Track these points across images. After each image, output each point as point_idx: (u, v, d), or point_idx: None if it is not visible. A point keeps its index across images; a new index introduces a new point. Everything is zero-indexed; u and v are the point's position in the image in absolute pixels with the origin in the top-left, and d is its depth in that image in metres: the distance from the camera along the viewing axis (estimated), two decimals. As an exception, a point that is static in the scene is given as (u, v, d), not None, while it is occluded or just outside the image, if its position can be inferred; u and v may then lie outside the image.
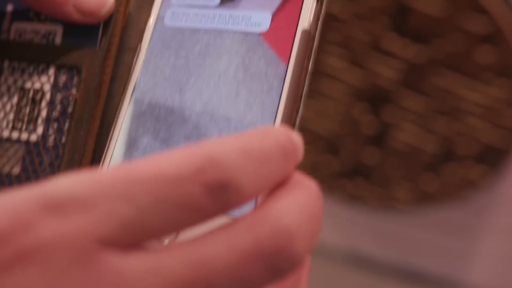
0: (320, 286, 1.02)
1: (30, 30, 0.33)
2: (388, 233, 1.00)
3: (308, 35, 0.29)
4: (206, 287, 0.19)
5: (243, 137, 0.21)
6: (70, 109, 0.32)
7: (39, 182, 0.31)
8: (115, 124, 0.31)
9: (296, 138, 0.22)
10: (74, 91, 0.32)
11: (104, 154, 0.31)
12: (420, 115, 0.88)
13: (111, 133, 0.31)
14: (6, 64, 0.33)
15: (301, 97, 0.29)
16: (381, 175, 0.93)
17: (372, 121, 0.91)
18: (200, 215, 0.20)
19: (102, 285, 0.19)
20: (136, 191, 0.19)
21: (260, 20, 0.30)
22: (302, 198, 0.21)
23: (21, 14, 0.34)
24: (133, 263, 0.19)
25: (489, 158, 0.89)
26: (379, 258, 1.02)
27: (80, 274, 0.19)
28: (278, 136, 0.22)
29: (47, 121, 0.32)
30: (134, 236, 0.19)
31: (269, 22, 0.30)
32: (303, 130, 0.99)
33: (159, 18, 0.32)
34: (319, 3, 0.30)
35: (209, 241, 0.20)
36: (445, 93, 0.86)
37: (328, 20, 0.85)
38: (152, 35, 0.32)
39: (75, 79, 0.32)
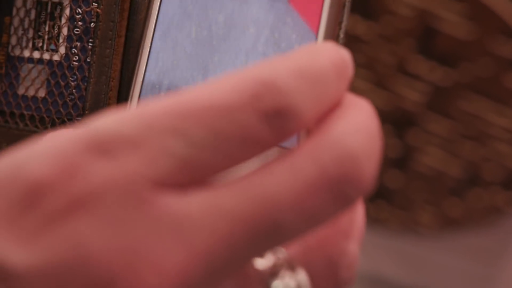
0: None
1: None
2: (411, 257, 0.99)
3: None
4: (271, 223, 0.18)
5: (294, 57, 0.19)
6: (92, 25, 0.30)
7: (64, 104, 0.30)
8: (143, 45, 0.29)
9: (346, 54, 0.21)
10: (95, 5, 0.30)
11: (134, 80, 0.29)
12: (445, 139, 0.87)
13: (139, 55, 0.29)
14: None
15: None
16: (404, 198, 0.92)
17: (396, 144, 0.90)
18: (258, 146, 0.18)
19: (160, 229, 0.17)
20: (188, 125, 0.18)
21: None
22: (360, 118, 0.20)
23: None
24: (191, 203, 0.18)
25: (516, 184, 0.87)
26: (402, 282, 1.00)
27: (137, 218, 0.17)
28: (329, 53, 0.20)
29: (69, 39, 0.30)
30: (189, 174, 0.18)
31: None
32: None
33: None
34: None
35: (269, 173, 0.18)
36: (471, 117, 0.84)
37: (352, 41, 0.85)
38: None
39: None
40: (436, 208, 0.92)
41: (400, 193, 0.92)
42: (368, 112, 0.20)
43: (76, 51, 0.30)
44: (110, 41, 0.29)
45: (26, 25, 0.31)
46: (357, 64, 0.90)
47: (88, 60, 0.30)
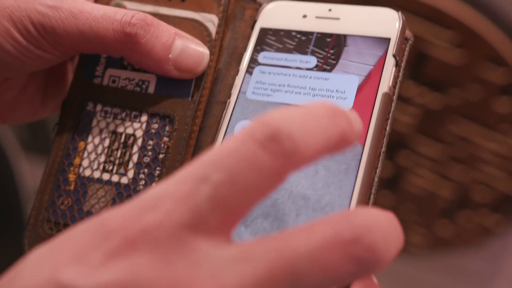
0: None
1: (124, 77, 0.34)
2: (401, 276, 1.00)
3: (382, 121, 0.30)
4: (290, 269, 0.21)
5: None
6: (161, 156, 0.32)
7: None
8: None
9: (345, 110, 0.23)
10: (166, 139, 0.33)
11: None
12: (435, 161, 0.88)
13: None
14: (98, 107, 0.34)
15: (374, 178, 0.29)
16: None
17: (386, 165, 0.91)
18: (267, 173, 0.21)
19: (199, 269, 0.21)
20: (209, 170, 0.21)
21: (346, 91, 0.31)
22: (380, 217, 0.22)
23: (115, 62, 0.35)
24: (225, 251, 0.21)
25: (505, 207, 0.89)
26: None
27: (180, 258, 0.21)
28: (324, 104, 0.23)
29: (138, 165, 0.33)
30: (222, 215, 0.21)
31: (354, 95, 0.31)
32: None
33: (245, 77, 0.33)
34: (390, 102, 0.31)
35: (291, 234, 0.21)
36: (461, 141, 0.86)
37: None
38: (239, 93, 0.33)
39: (167, 128, 0.33)
40: (426, 229, 0.93)
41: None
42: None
43: (143, 176, 0.32)
44: (175, 171, 0.31)
45: (99, 151, 0.33)
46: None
47: (154, 185, 0.31)
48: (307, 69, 0.32)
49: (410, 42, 0.32)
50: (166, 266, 0.20)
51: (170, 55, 0.32)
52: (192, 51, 0.33)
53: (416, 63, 0.82)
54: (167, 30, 0.33)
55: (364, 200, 0.28)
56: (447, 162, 0.87)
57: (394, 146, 0.90)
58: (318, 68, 0.32)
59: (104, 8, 0.33)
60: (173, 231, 0.21)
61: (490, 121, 0.83)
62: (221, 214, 0.21)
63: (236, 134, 0.22)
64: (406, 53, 0.32)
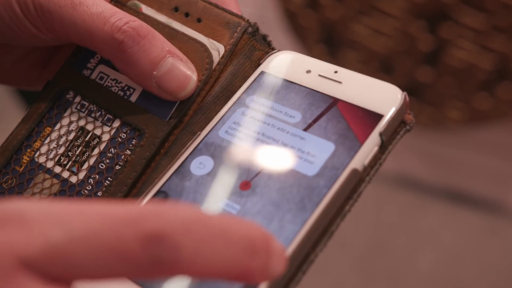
0: (369, 206, 1.05)
1: (113, 77, 0.34)
2: (435, 155, 1.01)
3: (340, 198, 0.28)
4: None
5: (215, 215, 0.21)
6: (117, 168, 0.32)
7: None
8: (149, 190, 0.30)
9: (277, 246, 0.21)
10: (128, 152, 0.32)
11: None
12: (478, 31, 0.86)
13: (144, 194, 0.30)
14: (77, 99, 0.34)
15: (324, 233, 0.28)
16: (434, 93, 0.93)
17: (428, 38, 0.90)
18: (131, 266, 0.20)
19: None
20: (73, 219, 0.19)
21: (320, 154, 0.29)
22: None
23: (109, 61, 0.33)
24: None
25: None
26: (426, 179, 1.03)
27: None
28: (250, 230, 0.21)
29: (92, 169, 0.32)
30: (60, 267, 0.19)
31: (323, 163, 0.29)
32: (358, 48, 0.97)
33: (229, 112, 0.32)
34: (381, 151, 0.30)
35: None
36: (504, 8, 0.83)
37: None
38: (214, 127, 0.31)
39: (134, 141, 0.32)
40: (464, 103, 0.93)
41: (431, 88, 0.93)
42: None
43: (92, 182, 0.32)
44: (125, 187, 0.31)
45: (61, 142, 0.33)
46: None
47: (98, 194, 0.31)
48: (288, 123, 0.31)
49: (407, 127, 0.30)
50: None
51: (154, 72, 0.31)
52: (180, 73, 0.32)
53: None
54: (160, 46, 0.32)
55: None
56: (489, 32, 0.85)
57: (436, 18, 0.88)
58: (299, 125, 0.31)
59: (105, 6, 0.32)
60: (10, 264, 0.19)
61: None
62: (61, 270, 0.19)
63: (130, 211, 0.20)
64: (399, 136, 0.30)
